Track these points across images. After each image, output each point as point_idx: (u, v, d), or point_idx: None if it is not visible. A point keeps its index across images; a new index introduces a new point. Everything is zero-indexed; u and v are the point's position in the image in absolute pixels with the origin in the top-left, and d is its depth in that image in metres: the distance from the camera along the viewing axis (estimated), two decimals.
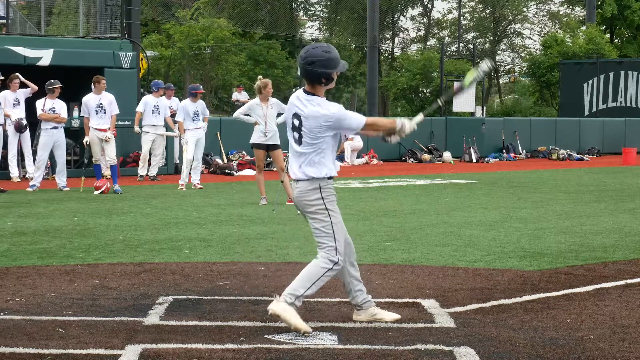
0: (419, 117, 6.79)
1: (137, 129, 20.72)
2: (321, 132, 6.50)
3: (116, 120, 17.88)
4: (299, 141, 6.55)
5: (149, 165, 21.30)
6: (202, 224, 12.54)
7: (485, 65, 7.15)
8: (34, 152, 19.48)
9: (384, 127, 6.71)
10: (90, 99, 17.44)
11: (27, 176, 19.83)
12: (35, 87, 19.34)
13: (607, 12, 51.49)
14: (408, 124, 6.67)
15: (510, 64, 68.86)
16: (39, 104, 17.90)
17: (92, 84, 17.56)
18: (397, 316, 6.74)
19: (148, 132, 20.78)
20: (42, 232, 11.57)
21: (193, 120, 18.53)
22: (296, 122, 6.55)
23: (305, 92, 6.56)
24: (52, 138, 17.69)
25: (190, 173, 18.50)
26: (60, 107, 17.74)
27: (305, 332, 6.28)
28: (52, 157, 18.36)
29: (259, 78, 16.02)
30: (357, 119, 6.58)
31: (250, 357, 5.72)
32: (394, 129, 6.67)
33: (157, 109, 20.70)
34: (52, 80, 18.04)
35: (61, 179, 17.80)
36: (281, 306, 6.37)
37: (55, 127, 17.70)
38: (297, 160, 6.59)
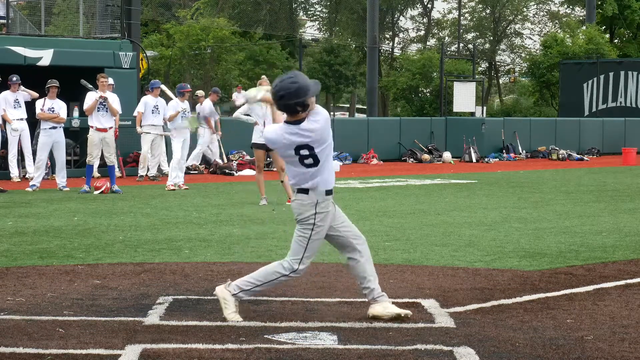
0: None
1: (139, 129, 20.71)
2: (326, 139, 6.66)
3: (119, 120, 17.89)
4: (315, 163, 6.63)
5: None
6: (202, 224, 12.53)
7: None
8: (34, 152, 19.46)
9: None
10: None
11: (27, 176, 19.81)
12: (36, 95, 19.31)
13: (608, 12, 51.47)
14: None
15: (510, 64, 68.89)
16: (39, 103, 17.91)
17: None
18: (406, 312, 6.78)
19: (149, 133, 20.79)
20: (42, 232, 11.57)
21: (181, 119, 18.57)
22: (305, 152, 6.59)
23: (290, 123, 6.60)
24: (51, 138, 17.65)
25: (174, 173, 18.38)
26: (60, 107, 17.71)
27: (237, 319, 6.65)
28: (52, 157, 18.34)
29: (262, 77, 15.99)
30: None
31: (250, 357, 5.71)
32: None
33: (157, 108, 20.70)
34: (49, 80, 18.02)
35: (61, 179, 17.79)
36: (224, 293, 6.76)
37: (54, 127, 17.66)
38: (299, 173, 6.72)
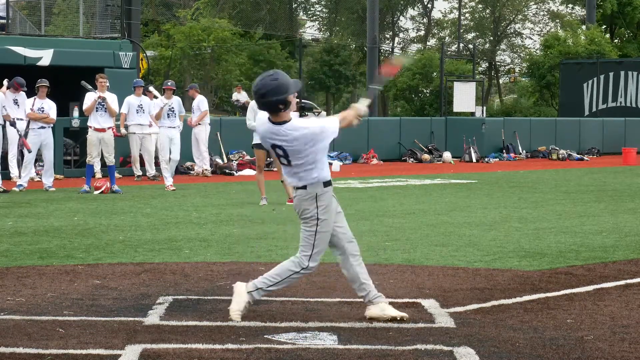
0: (367, 101, 6.98)
1: (123, 131, 20.55)
2: (310, 147, 6.62)
3: (117, 120, 17.86)
4: (289, 164, 6.71)
5: (142, 165, 21.22)
6: (202, 224, 12.53)
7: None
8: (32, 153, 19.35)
9: (350, 118, 6.86)
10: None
11: (11, 176, 19.43)
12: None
13: (607, 9, 51.42)
14: (361, 107, 6.86)
15: (510, 64, 68.90)
16: (28, 103, 17.80)
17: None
18: (403, 314, 6.75)
19: (134, 133, 20.68)
20: (42, 232, 11.57)
21: (168, 117, 18.54)
22: (280, 152, 6.69)
23: (273, 122, 6.65)
24: (40, 138, 17.54)
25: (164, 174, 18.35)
26: (50, 107, 17.63)
27: (236, 319, 6.60)
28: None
29: None
30: (333, 124, 6.71)
31: (250, 357, 5.71)
32: (357, 116, 6.85)
33: (142, 108, 20.56)
34: (39, 80, 17.94)
35: (48, 179, 17.72)
36: (239, 288, 6.75)
37: (43, 127, 17.55)
38: (291, 172, 6.76)
